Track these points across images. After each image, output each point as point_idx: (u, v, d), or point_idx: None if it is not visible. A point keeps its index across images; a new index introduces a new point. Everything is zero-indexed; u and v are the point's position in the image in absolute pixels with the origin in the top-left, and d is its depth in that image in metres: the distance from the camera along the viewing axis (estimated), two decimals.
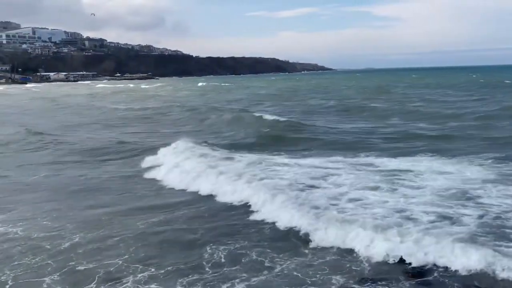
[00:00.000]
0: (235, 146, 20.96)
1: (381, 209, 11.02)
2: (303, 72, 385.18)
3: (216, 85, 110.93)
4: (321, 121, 29.94)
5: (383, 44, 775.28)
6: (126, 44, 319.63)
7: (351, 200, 11.94)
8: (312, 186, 13.49)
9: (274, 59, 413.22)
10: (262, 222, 11.03)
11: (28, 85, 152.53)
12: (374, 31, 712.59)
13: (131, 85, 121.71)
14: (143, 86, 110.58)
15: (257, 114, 31.38)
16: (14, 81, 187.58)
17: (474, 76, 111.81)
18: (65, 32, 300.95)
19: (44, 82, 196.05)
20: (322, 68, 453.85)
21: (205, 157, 17.96)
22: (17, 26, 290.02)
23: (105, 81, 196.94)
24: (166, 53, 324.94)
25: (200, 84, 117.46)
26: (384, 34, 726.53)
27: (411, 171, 14.64)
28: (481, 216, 10.32)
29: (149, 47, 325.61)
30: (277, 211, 11.37)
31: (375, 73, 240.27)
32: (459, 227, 9.71)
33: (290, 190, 12.82)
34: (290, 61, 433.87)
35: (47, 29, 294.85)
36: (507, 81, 77.77)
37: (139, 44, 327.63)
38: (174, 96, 69.23)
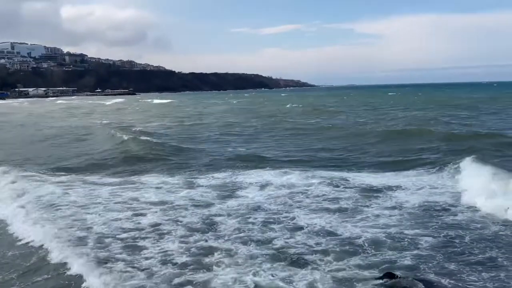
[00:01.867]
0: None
1: None
2: (286, 88, 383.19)
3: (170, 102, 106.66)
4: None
5: (366, 61, 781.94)
6: (107, 59, 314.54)
7: None
8: None
9: (257, 75, 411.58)
10: None
11: None
12: (357, 48, 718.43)
13: (89, 101, 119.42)
14: (107, 103, 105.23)
15: None
16: None
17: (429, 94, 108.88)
18: (45, 47, 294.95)
19: (22, 97, 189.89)
20: (305, 85, 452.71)
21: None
22: None
23: (83, 96, 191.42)
24: (148, 69, 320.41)
25: (156, 101, 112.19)
26: (367, 51, 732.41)
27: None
28: None
29: (130, 62, 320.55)
30: None
31: (344, 89, 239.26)
32: None
33: None
34: (273, 77, 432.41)
35: (27, 44, 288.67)
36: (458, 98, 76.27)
37: (120, 60, 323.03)
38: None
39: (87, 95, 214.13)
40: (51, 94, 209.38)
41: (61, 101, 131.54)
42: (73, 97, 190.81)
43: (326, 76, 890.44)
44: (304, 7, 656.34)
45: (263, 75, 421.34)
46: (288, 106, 67.05)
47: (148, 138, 26.63)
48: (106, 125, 38.73)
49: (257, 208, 11.80)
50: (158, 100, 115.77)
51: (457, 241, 9.22)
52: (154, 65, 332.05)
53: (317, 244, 9.08)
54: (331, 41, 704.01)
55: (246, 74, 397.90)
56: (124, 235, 9.75)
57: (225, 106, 79.80)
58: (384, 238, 9.36)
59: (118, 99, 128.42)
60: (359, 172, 16.71)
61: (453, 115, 41.42)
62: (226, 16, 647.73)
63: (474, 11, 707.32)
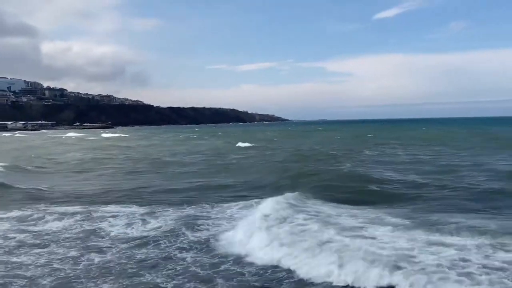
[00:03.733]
0: None
1: None
2: (262, 122, 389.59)
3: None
4: None
5: (337, 98, 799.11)
6: (87, 94, 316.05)
7: None
8: None
9: (233, 110, 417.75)
10: None
11: None
12: (329, 85, 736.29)
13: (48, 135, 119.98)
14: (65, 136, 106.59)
15: None
16: None
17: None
18: (24, 81, 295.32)
19: (1, 131, 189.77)
20: (279, 119, 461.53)
21: None
22: None
23: (61, 129, 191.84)
24: (127, 103, 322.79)
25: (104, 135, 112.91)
26: (338, 88, 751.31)
27: None
28: None
29: (109, 97, 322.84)
30: None
31: (315, 124, 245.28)
32: None
33: None
34: (249, 111, 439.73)
35: (6, 78, 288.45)
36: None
37: (99, 94, 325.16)
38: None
39: (65, 128, 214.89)
40: (30, 128, 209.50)
41: (70, 133, 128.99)
42: (49, 130, 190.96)
43: (299, 111, 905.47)
44: (278, 47, 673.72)
45: (240, 109, 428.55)
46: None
47: None
48: None
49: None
50: (105, 134, 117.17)
51: None
52: (133, 99, 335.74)
53: None
54: (304, 78, 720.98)
55: (223, 108, 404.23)
56: None
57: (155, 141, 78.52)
58: None
59: (72, 133, 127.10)
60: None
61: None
62: (205, 53, 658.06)
63: (437, 52, 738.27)
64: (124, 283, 9.52)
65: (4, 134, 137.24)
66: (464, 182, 21.24)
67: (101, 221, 15.09)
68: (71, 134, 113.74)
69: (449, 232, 11.65)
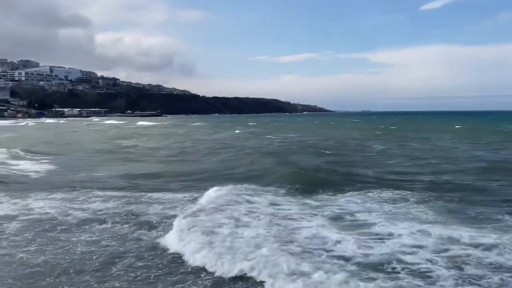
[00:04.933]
0: None
1: None
2: (304, 113, 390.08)
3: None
4: None
5: (379, 89, 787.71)
6: (138, 83, 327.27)
7: None
8: None
9: (276, 100, 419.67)
10: None
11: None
12: (371, 76, 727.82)
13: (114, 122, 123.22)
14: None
15: None
16: (30, 116, 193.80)
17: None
18: (80, 70, 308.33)
19: (58, 117, 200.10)
20: (321, 110, 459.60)
21: None
22: (36, 65, 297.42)
23: (115, 117, 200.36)
24: (175, 93, 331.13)
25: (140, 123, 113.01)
26: (380, 79, 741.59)
27: None
28: None
29: (158, 86, 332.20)
30: None
31: (359, 115, 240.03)
32: None
33: None
34: (291, 102, 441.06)
35: (64, 67, 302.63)
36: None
37: (149, 84, 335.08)
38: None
39: (118, 115, 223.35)
40: (85, 114, 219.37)
41: (111, 121, 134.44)
42: (104, 117, 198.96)
43: (340, 102, 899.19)
44: (318, 38, 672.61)
45: (281, 100, 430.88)
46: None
47: None
48: None
49: None
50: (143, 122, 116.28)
51: None
52: (180, 89, 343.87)
53: None
54: (345, 69, 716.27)
55: (265, 98, 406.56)
56: None
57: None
58: None
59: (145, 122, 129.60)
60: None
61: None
62: (247, 44, 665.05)
63: (485, 43, 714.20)
64: None
65: (60, 121, 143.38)
66: None
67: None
68: (142, 122, 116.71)
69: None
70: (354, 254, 9.49)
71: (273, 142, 43.99)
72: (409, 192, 15.92)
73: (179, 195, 16.47)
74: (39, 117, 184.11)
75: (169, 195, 16.46)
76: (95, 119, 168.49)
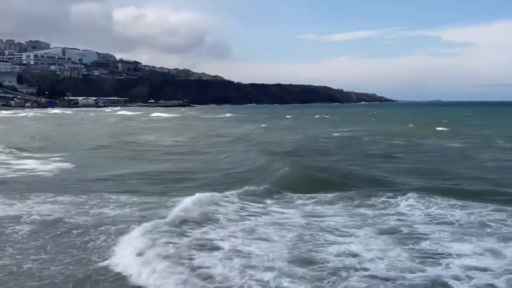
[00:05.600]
0: None
1: None
2: (360, 103, 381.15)
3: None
4: None
5: (455, 74, 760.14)
6: (162, 67, 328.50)
7: None
8: None
9: (325, 87, 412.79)
10: None
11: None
12: (442, 58, 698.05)
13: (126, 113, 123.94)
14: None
15: None
16: (39, 105, 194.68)
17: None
18: (97, 53, 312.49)
19: (71, 107, 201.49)
20: (381, 99, 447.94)
21: None
22: (46, 46, 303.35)
23: (136, 107, 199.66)
24: (205, 78, 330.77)
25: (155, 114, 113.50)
26: (455, 62, 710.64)
27: None
28: None
29: (186, 71, 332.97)
30: None
31: (429, 106, 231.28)
32: None
33: None
34: (344, 90, 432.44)
35: (78, 49, 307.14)
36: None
37: (175, 68, 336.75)
38: None
39: (139, 105, 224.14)
40: (102, 104, 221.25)
41: (124, 112, 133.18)
42: (123, 107, 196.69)
43: (405, 90, 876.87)
44: (380, 12, 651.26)
45: (332, 87, 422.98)
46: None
47: None
48: None
49: None
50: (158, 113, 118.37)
51: None
52: (211, 74, 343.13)
53: None
54: (412, 50, 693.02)
55: (312, 85, 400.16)
56: None
57: None
58: None
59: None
60: None
61: None
62: (291, 21, 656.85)
63: None
64: None
65: (67, 112, 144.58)
66: None
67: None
68: (157, 114, 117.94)
69: None
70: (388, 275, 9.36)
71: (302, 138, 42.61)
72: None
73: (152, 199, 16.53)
74: (50, 107, 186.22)
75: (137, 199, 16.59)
76: (107, 110, 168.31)
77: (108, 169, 24.44)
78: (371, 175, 21.22)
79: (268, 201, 15.65)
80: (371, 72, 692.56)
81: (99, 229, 12.43)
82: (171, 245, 10.55)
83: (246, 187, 17.13)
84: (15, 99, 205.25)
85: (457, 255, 10.33)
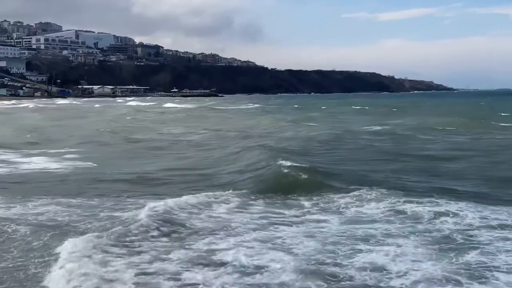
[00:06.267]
0: None
1: None
2: (414, 91, 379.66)
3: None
4: None
5: None
6: (186, 52, 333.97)
7: None
8: None
9: (374, 74, 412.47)
10: None
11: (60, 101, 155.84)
12: None
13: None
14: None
15: None
16: (50, 95, 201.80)
17: None
18: (114, 36, 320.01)
19: (86, 96, 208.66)
20: (438, 88, 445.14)
21: None
22: (58, 29, 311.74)
23: (157, 97, 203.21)
24: (235, 64, 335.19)
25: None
26: None
27: None
28: None
29: (213, 56, 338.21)
30: None
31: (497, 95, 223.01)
32: None
33: None
34: (396, 77, 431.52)
35: (93, 32, 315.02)
36: None
37: (202, 53, 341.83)
38: None
39: (160, 95, 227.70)
40: (119, 93, 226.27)
41: (136, 102, 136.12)
42: (141, 97, 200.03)
43: (467, 77, 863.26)
44: None
45: (382, 74, 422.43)
46: None
47: None
48: None
49: None
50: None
51: None
52: (242, 59, 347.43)
53: None
54: (478, 30, 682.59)
55: (359, 72, 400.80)
56: None
57: None
58: None
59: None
60: None
61: None
62: None
63: None
64: None
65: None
66: None
67: None
68: (170, 104, 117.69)
69: None
70: None
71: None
72: None
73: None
74: (61, 96, 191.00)
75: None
76: (119, 100, 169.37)
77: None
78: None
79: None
80: (428, 56, 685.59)
81: None
82: None
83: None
84: (23, 88, 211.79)
85: None
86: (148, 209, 14.32)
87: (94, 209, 15.41)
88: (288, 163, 21.44)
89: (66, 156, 28.74)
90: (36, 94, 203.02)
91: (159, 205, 14.81)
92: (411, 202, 15.60)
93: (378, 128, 47.47)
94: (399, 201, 15.77)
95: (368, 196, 16.42)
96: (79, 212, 14.95)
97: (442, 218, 13.81)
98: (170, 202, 15.33)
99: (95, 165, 25.20)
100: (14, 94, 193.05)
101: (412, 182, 19.61)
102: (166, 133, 46.73)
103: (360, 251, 11.06)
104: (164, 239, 11.93)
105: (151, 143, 36.73)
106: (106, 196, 17.38)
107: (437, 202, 15.48)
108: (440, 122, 52.84)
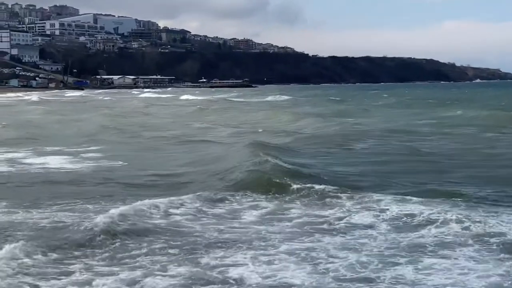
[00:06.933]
0: None
1: None
2: (476, 80, 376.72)
3: None
4: None
5: None
6: (216, 37, 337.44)
7: None
8: None
9: (431, 60, 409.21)
10: None
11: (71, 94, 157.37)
12: None
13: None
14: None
15: None
16: (66, 86, 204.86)
17: None
18: (136, 20, 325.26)
19: (105, 87, 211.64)
20: (506, 76, 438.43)
21: None
22: (75, 12, 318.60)
23: (183, 87, 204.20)
24: (271, 51, 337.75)
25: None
26: None
27: None
28: None
29: (247, 42, 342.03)
30: None
31: None
32: None
33: None
34: (457, 64, 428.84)
35: (113, 16, 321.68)
36: None
37: (233, 38, 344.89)
38: None
39: (187, 86, 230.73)
40: (142, 84, 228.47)
41: (150, 94, 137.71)
42: (163, 89, 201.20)
43: None
44: None
45: (441, 61, 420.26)
46: None
47: None
48: None
49: None
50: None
51: None
52: (279, 45, 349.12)
53: None
54: None
55: (413, 59, 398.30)
56: None
57: None
58: None
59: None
60: None
61: None
62: None
63: None
64: None
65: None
66: None
67: None
68: (187, 96, 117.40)
69: None
70: None
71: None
72: None
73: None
74: (78, 88, 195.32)
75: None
76: (135, 91, 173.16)
77: None
78: None
79: None
80: (495, 40, 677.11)
81: None
82: None
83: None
84: (36, 78, 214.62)
85: None
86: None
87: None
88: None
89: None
90: (50, 85, 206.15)
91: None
92: None
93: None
94: None
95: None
96: None
97: None
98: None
99: None
100: (26, 85, 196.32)
101: None
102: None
103: None
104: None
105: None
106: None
107: None
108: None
